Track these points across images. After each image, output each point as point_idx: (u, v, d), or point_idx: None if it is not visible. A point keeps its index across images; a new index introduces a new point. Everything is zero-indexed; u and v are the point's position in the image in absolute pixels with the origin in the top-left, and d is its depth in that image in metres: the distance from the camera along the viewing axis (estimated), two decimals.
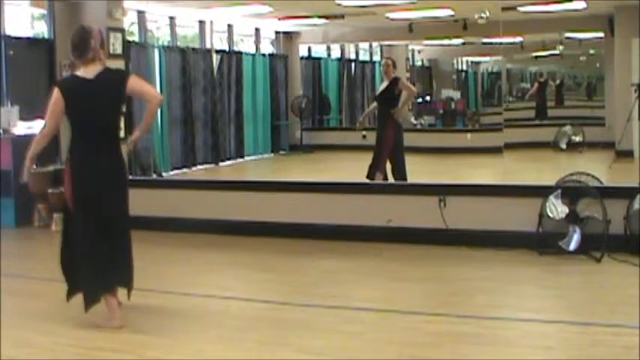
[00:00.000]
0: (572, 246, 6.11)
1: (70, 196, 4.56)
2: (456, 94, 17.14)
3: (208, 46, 13.06)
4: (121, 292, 4.67)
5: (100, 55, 4.58)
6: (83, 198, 4.53)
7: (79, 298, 4.57)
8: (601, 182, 6.54)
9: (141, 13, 11.56)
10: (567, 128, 14.08)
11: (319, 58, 16.59)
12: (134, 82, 4.60)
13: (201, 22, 13.02)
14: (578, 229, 6.13)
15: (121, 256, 4.63)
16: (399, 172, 8.30)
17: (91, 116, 4.52)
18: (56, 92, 4.51)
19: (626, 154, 11.88)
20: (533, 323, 4.50)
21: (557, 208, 6.20)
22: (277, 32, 15.34)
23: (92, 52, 4.50)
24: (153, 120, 4.96)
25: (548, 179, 6.69)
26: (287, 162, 14.35)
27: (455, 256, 6.28)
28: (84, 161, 4.54)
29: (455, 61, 18.07)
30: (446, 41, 15.83)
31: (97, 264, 4.51)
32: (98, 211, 4.53)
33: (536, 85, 16.46)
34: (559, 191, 6.26)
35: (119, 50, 8.75)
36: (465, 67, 18.37)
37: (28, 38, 9.42)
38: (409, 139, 8.70)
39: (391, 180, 8.29)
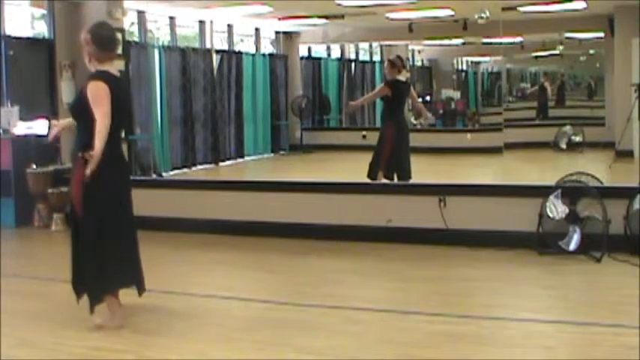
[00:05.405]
0: (572, 246, 6.11)
1: (80, 198, 4.37)
2: (456, 94, 17.15)
3: (208, 46, 13.07)
4: (123, 292, 4.66)
5: None
6: (107, 199, 4.40)
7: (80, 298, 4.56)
8: (601, 182, 6.54)
9: (141, 13, 11.57)
10: (567, 128, 14.09)
11: (319, 58, 16.60)
12: None
13: (201, 22, 13.03)
14: (578, 229, 6.13)
15: (132, 256, 4.61)
16: (403, 171, 8.26)
17: (119, 114, 4.39)
18: (102, 84, 4.26)
19: (626, 154, 11.89)
20: (533, 323, 4.49)
21: (557, 208, 6.20)
22: (277, 32, 15.35)
23: (119, 47, 4.47)
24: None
25: (548, 179, 6.68)
26: (287, 162, 14.35)
27: (455, 256, 6.27)
28: (110, 161, 4.31)
29: (455, 61, 18.07)
30: (446, 41, 15.84)
31: (110, 264, 4.44)
32: (117, 211, 4.48)
33: (547, 84, 16.41)
34: (559, 191, 6.26)
35: (119, 50, 8.75)
36: (465, 67, 18.36)
37: (28, 38, 9.42)
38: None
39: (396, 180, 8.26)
